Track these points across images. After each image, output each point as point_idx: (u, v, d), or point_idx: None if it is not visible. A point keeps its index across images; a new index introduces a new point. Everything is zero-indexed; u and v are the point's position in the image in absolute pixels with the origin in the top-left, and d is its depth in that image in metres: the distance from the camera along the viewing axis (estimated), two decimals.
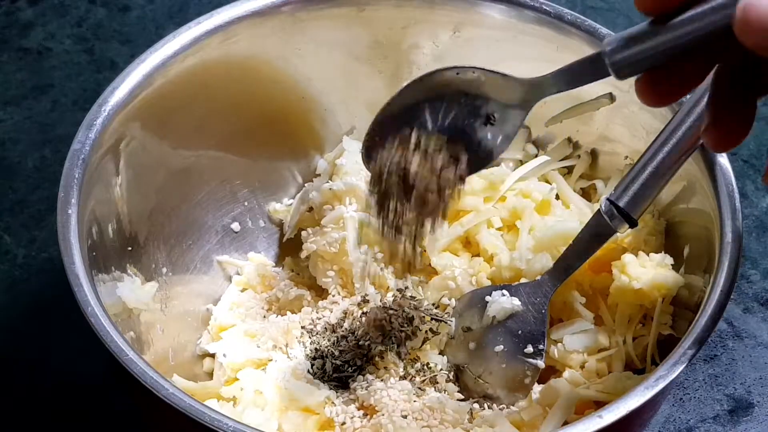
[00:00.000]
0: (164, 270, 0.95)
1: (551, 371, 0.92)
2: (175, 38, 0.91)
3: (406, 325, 0.92)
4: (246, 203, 1.03)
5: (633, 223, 0.86)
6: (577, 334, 0.91)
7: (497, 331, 0.90)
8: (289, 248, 1.03)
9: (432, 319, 0.93)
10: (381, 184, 0.79)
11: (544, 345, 0.89)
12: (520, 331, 0.90)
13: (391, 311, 0.92)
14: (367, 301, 0.95)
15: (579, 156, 1.01)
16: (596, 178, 1.01)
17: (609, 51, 0.68)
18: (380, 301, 0.95)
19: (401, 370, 0.91)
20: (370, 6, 0.97)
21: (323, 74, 1.00)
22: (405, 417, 0.85)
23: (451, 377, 0.92)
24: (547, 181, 1.00)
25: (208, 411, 0.73)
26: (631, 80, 0.74)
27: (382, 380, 0.89)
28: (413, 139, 0.79)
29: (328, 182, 1.00)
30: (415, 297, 0.95)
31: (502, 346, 0.90)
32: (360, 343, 0.92)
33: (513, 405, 0.90)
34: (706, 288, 0.81)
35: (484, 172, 0.96)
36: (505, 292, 0.91)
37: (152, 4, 1.28)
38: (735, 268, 0.80)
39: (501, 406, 0.90)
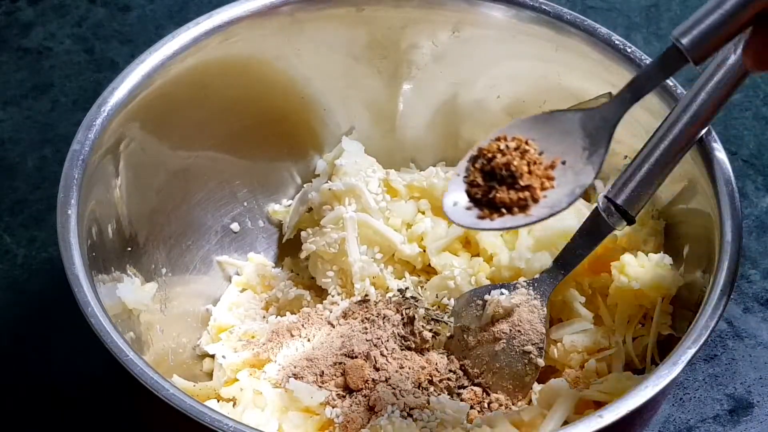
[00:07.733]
0: (164, 270, 0.95)
1: (551, 371, 0.92)
2: (175, 38, 0.91)
3: (406, 326, 0.92)
4: (245, 203, 1.03)
5: (630, 221, 0.86)
6: (577, 333, 0.91)
7: (497, 330, 0.90)
8: (288, 248, 1.03)
9: (432, 319, 0.93)
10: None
11: (543, 344, 0.89)
12: (519, 330, 0.90)
13: (391, 311, 0.92)
14: (367, 301, 0.95)
15: None
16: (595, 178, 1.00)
17: (678, 35, 0.71)
18: (380, 301, 0.95)
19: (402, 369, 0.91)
20: (369, 6, 0.97)
21: (322, 74, 1.00)
22: (405, 417, 0.85)
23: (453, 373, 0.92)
24: None
25: (208, 411, 0.73)
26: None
27: (382, 381, 0.89)
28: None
29: (327, 182, 0.99)
30: (415, 297, 0.95)
31: (501, 346, 0.90)
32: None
33: (513, 405, 0.90)
34: (706, 288, 0.81)
35: None
36: (504, 290, 0.91)
37: (152, 4, 1.28)
38: (735, 268, 0.80)
39: (501, 406, 0.90)
